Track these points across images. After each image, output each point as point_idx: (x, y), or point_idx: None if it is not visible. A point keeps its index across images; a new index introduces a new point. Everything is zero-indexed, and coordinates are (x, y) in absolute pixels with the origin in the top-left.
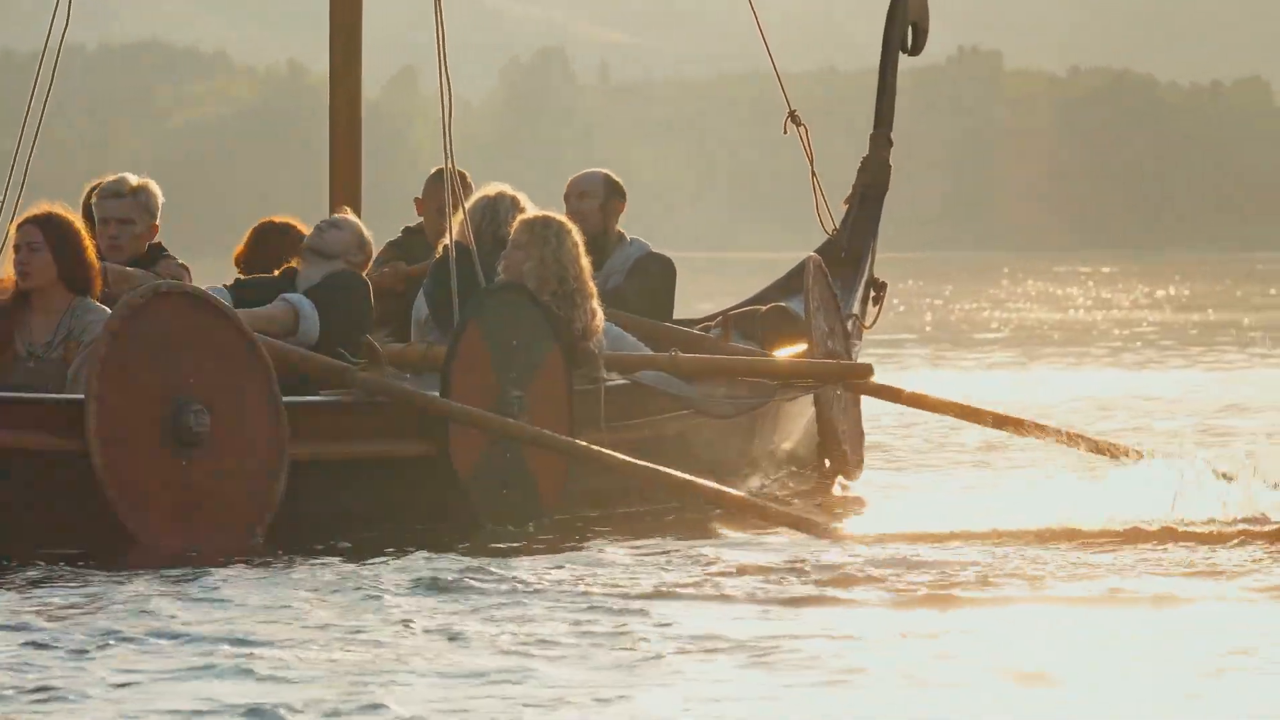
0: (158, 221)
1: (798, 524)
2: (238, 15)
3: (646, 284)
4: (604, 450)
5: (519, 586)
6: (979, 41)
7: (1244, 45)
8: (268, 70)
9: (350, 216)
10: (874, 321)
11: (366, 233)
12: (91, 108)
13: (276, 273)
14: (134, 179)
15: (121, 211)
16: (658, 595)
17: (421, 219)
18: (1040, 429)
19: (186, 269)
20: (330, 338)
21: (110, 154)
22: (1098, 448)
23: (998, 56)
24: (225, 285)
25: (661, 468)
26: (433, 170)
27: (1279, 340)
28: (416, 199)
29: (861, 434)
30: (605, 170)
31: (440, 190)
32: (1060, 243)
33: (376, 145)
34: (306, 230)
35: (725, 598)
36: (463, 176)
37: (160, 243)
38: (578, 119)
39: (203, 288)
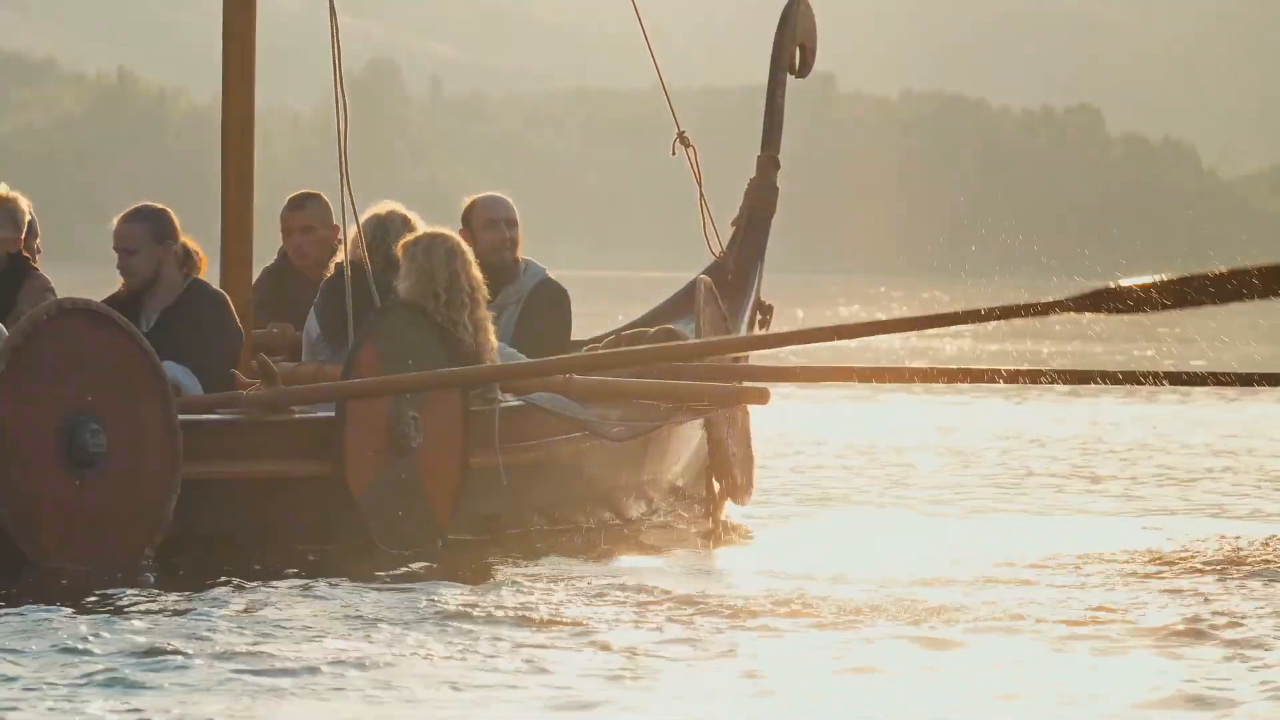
0: (23, 235)
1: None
2: (67, 23)
3: (543, 328)
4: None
5: (418, 612)
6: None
7: (1076, 73)
8: (97, 77)
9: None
10: None
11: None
12: None
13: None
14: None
15: None
16: (552, 617)
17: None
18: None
19: (51, 290)
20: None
21: None
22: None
23: (830, 79)
24: None
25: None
26: (292, 194)
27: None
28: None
29: (752, 457)
30: (497, 194)
31: (300, 215)
32: (890, 267)
33: (211, 154)
34: (196, 247)
35: (622, 618)
36: (306, 195)
37: (25, 255)
38: (409, 132)
39: None
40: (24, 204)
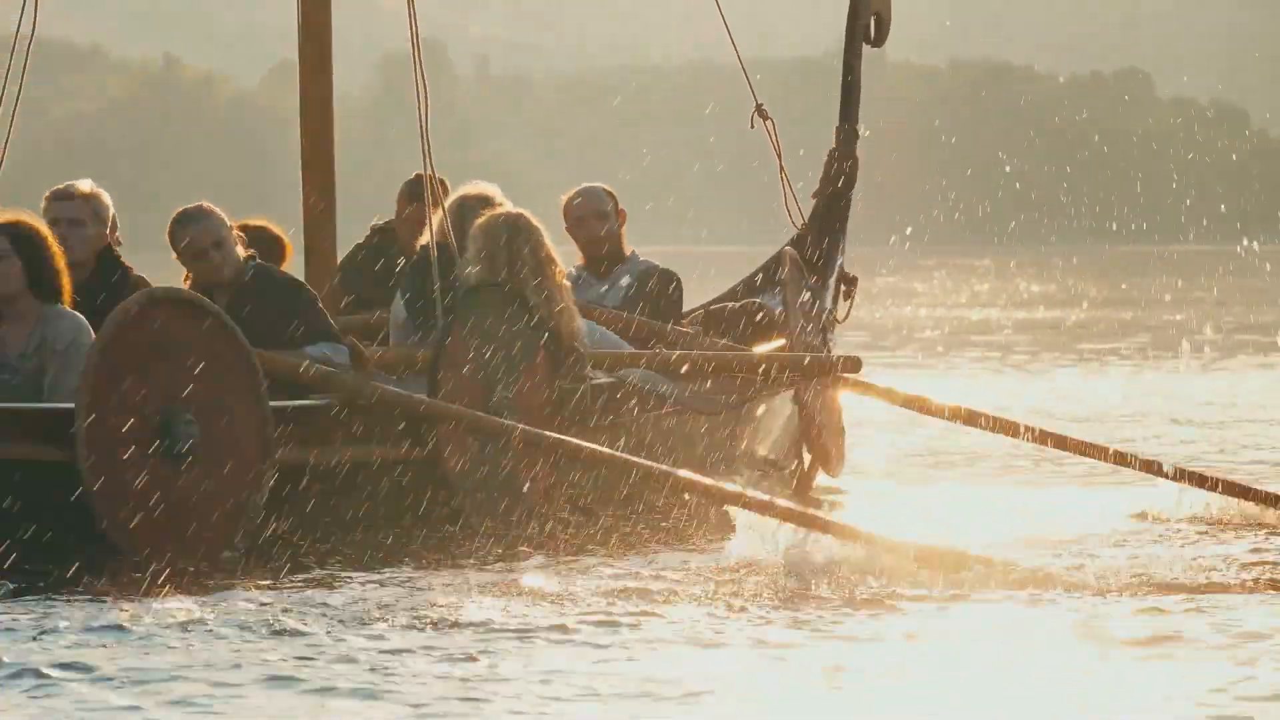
0: (107, 231)
1: (792, 516)
2: (113, 9)
3: (654, 306)
4: (591, 445)
5: (522, 597)
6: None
7: (1123, 37)
8: (143, 64)
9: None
10: (846, 315)
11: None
12: None
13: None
14: (85, 185)
15: (72, 212)
16: (652, 602)
17: (393, 219)
18: (1039, 435)
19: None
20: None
21: None
22: (1120, 459)
23: (879, 51)
24: None
25: (647, 462)
26: (411, 175)
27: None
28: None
29: (842, 429)
30: (598, 185)
31: (407, 198)
32: (942, 237)
33: (257, 139)
34: (280, 233)
35: (719, 603)
36: (441, 182)
37: (115, 250)
38: (456, 111)
39: None
40: (106, 198)
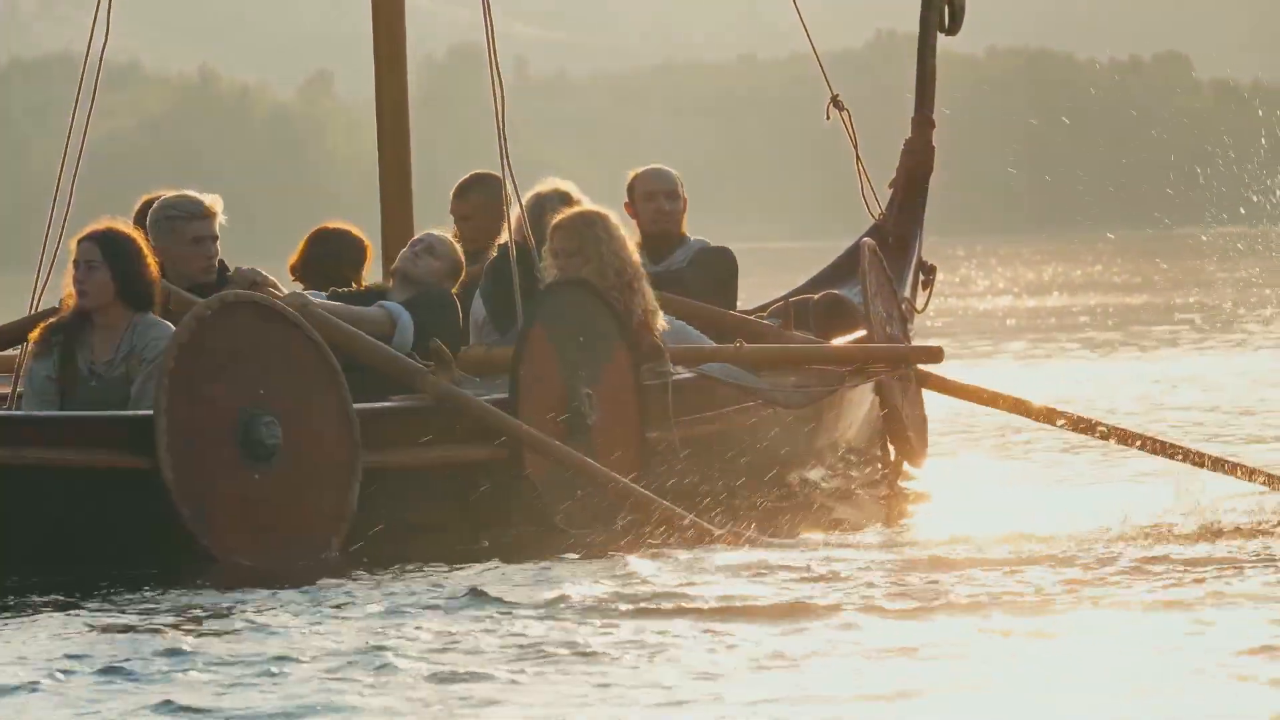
0: None
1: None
2: (150, 25)
3: (709, 274)
4: (651, 495)
5: (621, 595)
6: (896, 25)
7: (1162, 21)
8: (180, 78)
9: (444, 238)
10: (925, 305)
11: (459, 255)
12: (4, 121)
13: (357, 288)
14: (204, 197)
15: (212, 230)
16: (752, 595)
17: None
18: (1129, 436)
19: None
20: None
21: (24, 168)
22: (1204, 461)
23: (914, 39)
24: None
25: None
26: (463, 178)
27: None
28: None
29: (925, 420)
30: (666, 166)
31: (466, 199)
32: (982, 225)
33: (296, 150)
34: (361, 235)
35: (831, 594)
36: (476, 178)
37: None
38: (494, 112)
39: (308, 294)
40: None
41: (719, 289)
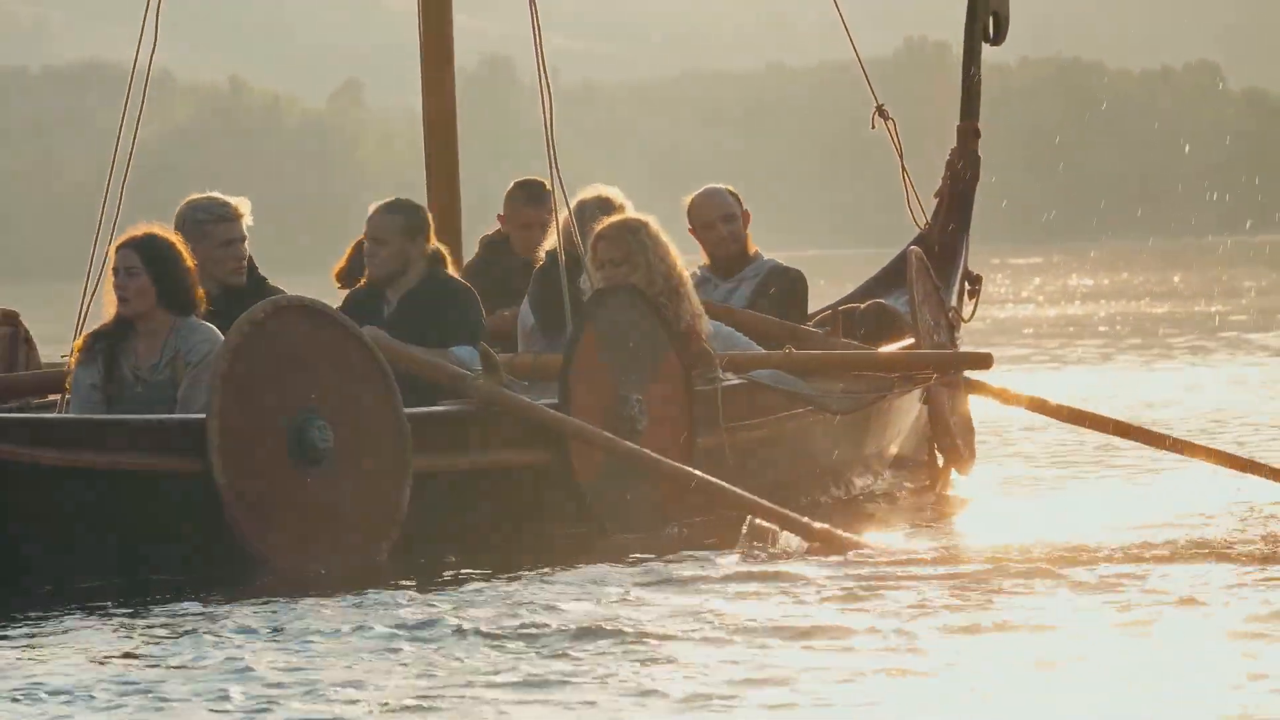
0: None
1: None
2: (179, 34)
3: (786, 300)
4: (717, 481)
5: (668, 599)
6: (927, 33)
7: (1192, 30)
8: (211, 87)
9: (371, 215)
10: (971, 315)
11: (406, 208)
12: (36, 130)
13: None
14: (231, 198)
15: (241, 232)
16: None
17: (498, 230)
18: (1174, 444)
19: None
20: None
21: (56, 176)
22: (1250, 468)
23: (946, 48)
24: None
25: (763, 503)
26: (511, 184)
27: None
28: (499, 215)
29: (972, 426)
30: (721, 186)
31: (519, 205)
32: (1016, 235)
33: (326, 159)
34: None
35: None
36: (541, 186)
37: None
38: (526, 123)
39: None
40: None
41: (792, 314)
